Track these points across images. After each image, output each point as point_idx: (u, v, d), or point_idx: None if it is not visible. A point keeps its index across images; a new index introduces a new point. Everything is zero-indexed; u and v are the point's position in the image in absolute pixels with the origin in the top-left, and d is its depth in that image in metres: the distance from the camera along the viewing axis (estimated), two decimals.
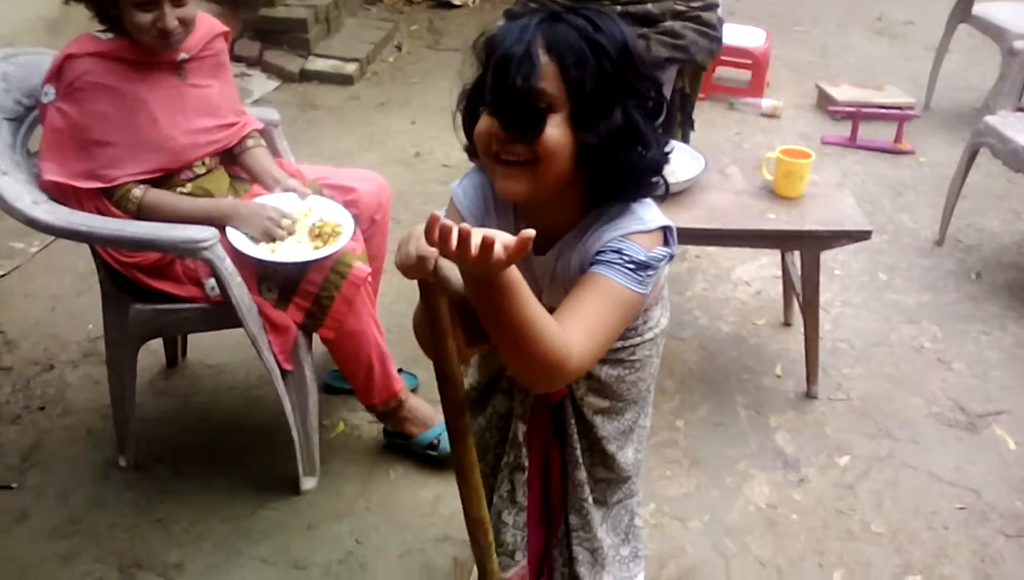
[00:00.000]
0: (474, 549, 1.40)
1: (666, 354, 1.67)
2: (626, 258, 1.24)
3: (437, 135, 4.33)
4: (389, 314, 2.90)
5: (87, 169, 2.10)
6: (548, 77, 1.18)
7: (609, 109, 1.22)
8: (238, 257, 2.12)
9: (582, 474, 1.62)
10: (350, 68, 4.98)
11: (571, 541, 1.67)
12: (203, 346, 2.79)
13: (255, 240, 2.17)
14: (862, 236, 2.58)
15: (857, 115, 4.48)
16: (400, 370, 2.67)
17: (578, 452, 1.60)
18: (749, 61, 4.90)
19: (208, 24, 2.31)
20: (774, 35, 5.27)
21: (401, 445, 2.46)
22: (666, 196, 1.37)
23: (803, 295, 2.70)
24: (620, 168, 1.25)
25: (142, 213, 2.13)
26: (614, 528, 1.69)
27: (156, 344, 2.67)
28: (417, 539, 2.22)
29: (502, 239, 1.00)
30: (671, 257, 1.32)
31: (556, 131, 1.19)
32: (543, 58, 1.18)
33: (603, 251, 1.26)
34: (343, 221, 2.25)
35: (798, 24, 6.24)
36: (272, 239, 2.17)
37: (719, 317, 3.11)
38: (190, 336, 2.78)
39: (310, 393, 2.30)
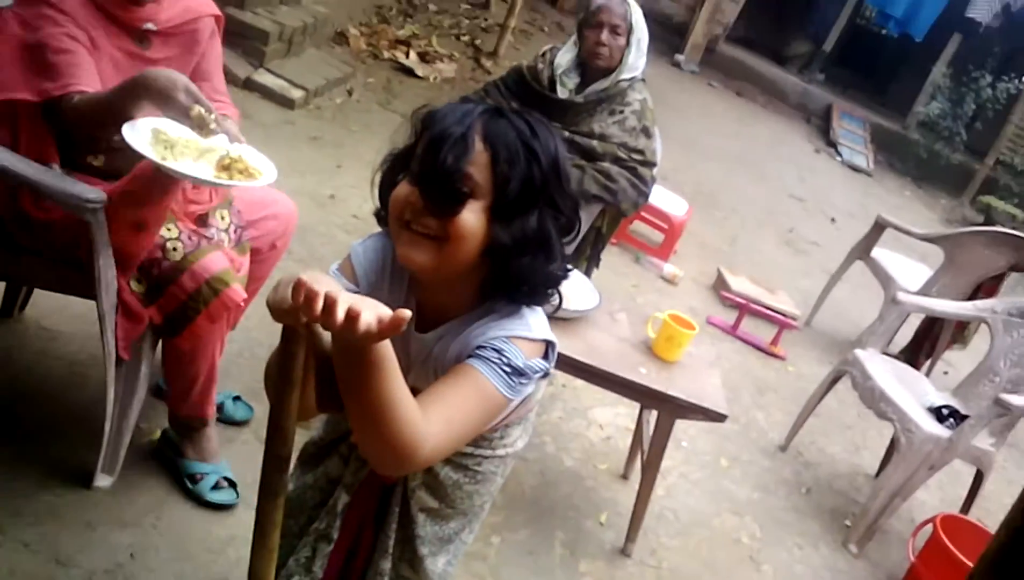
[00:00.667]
0: None
1: None
2: (504, 360, 1.24)
3: (356, 186, 4.31)
4: (247, 338, 2.83)
5: (34, 81, 1.94)
6: (478, 165, 1.21)
7: (526, 212, 1.24)
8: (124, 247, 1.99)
9: (387, 565, 1.58)
10: (296, 93, 4.95)
11: None
12: (45, 305, 2.62)
13: (160, 143, 1.89)
14: (718, 418, 2.66)
15: (745, 308, 4.70)
16: (238, 398, 2.58)
17: (391, 542, 1.56)
18: (666, 226, 5.11)
19: (196, 3, 2.22)
20: (695, 211, 5.54)
21: (168, 458, 2.33)
22: (556, 311, 1.39)
23: (648, 454, 2.75)
24: (522, 270, 1.27)
25: (71, 115, 1.95)
26: None
27: None
28: (195, 573, 2.09)
29: (378, 311, 1.00)
30: (546, 373, 1.33)
31: (472, 217, 1.22)
32: (478, 145, 1.21)
33: (484, 347, 1.26)
34: (265, 168, 2.00)
35: (719, 210, 6.58)
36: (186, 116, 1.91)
37: (565, 450, 3.13)
38: (36, 291, 2.61)
39: (138, 390, 2.18)
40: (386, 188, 1.31)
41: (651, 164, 3.17)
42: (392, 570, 1.58)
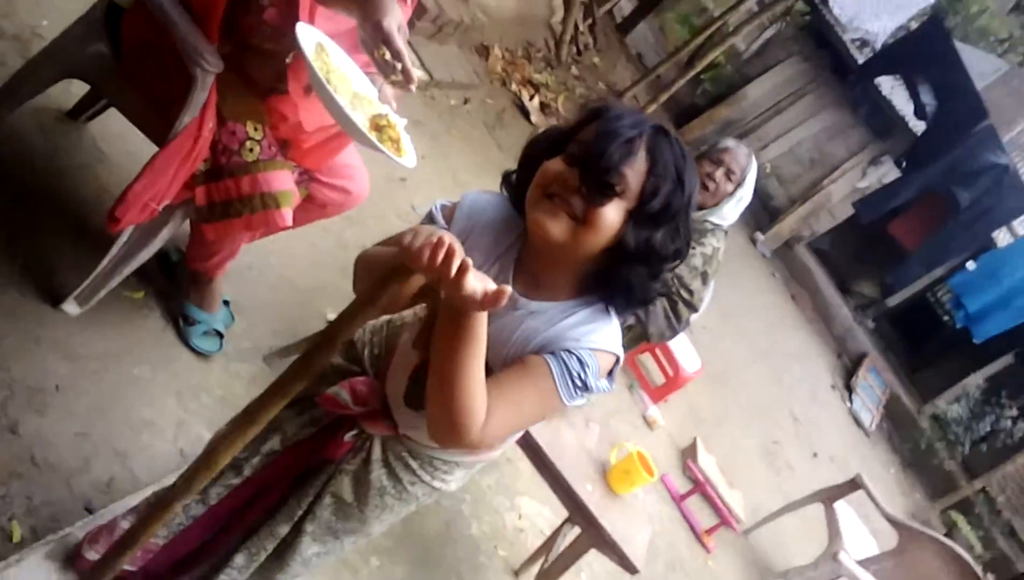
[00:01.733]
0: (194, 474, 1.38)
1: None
2: (581, 373, 1.30)
3: (430, 182, 4.35)
4: (263, 257, 2.83)
5: None
6: (636, 170, 1.29)
7: (657, 226, 1.31)
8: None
9: (283, 530, 1.58)
10: (420, 74, 5.02)
11: (221, 573, 1.60)
12: (111, 127, 2.63)
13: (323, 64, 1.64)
14: (631, 568, 2.64)
15: (701, 487, 4.67)
16: (226, 302, 2.58)
17: (298, 512, 1.57)
18: (672, 372, 5.11)
19: None
20: (704, 375, 5.54)
21: (172, 287, 2.45)
22: (624, 333, 1.47)
23: (550, 566, 2.72)
24: (632, 277, 1.34)
25: None
26: None
27: (78, 88, 2.51)
28: (103, 436, 2.07)
29: (485, 283, 1.12)
30: (603, 391, 1.37)
31: (613, 213, 1.29)
32: (641, 153, 1.29)
33: (570, 352, 1.31)
34: (408, 151, 1.71)
35: (723, 387, 6.58)
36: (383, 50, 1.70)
37: (477, 517, 3.10)
38: (111, 111, 2.62)
39: (149, 247, 2.19)
40: (534, 159, 1.36)
41: (694, 307, 3.20)
42: (271, 538, 1.59)
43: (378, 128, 1.65)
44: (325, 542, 1.62)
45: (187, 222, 2.24)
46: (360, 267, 1.43)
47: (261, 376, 2.60)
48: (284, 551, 1.62)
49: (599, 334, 1.35)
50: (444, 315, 1.20)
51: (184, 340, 2.43)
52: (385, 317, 1.62)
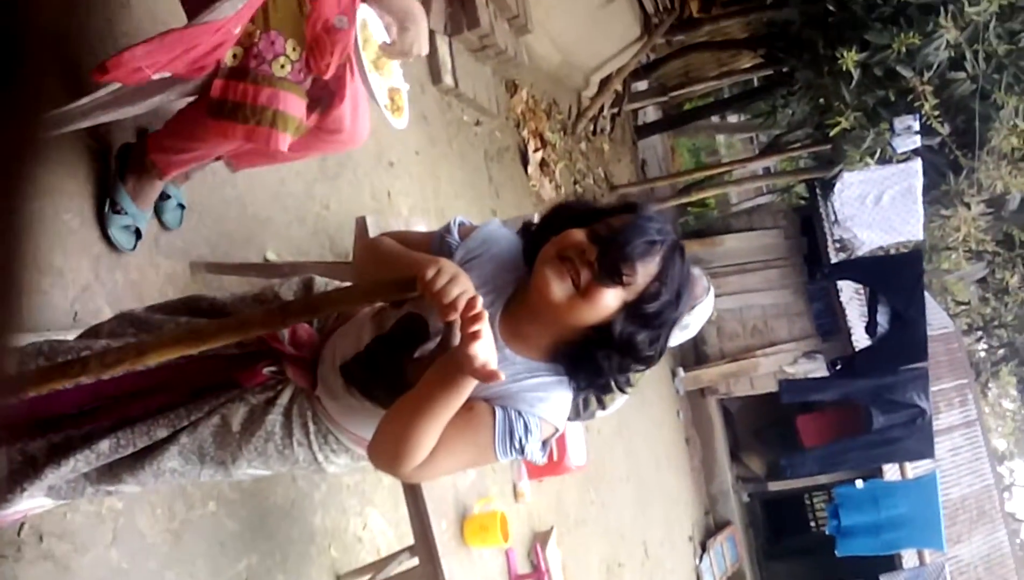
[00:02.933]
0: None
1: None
2: (522, 435, 1.35)
3: (415, 179, 4.31)
4: (230, 180, 2.74)
5: None
6: (646, 270, 1.36)
7: (643, 327, 1.38)
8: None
9: (158, 432, 1.53)
10: (447, 79, 5.02)
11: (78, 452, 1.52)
12: None
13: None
14: None
15: (538, 574, 4.61)
16: (182, 206, 2.48)
17: (178, 417, 1.53)
18: (557, 457, 5.06)
19: None
20: (581, 477, 5.52)
21: (111, 184, 2.29)
22: (576, 418, 1.59)
23: None
24: (603, 362, 1.40)
25: None
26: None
27: None
28: None
29: (491, 355, 1.23)
30: (533, 460, 1.41)
31: (611, 300, 1.35)
32: (656, 258, 1.36)
33: (519, 413, 1.36)
34: (404, 114, 2.31)
35: (595, 493, 6.56)
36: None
37: (325, 509, 2.98)
38: None
39: (140, 106, 2.07)
40: (559, 222, 1.42)
41: (603, 405, 3.17)
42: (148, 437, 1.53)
43: (392, 98, 2.19)
44: (188, 460, 1.54)
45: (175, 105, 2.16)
46: (371, 253, 1.54)
47: (179, 278, 2.50)
48: (146, 454, 1.53)
49: (552, 405, 1.41)
50: (441, 363, 1.28)
51: (101, 224, 2.25)
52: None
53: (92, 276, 2.19)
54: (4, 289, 0.33)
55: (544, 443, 1.42)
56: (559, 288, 1.35)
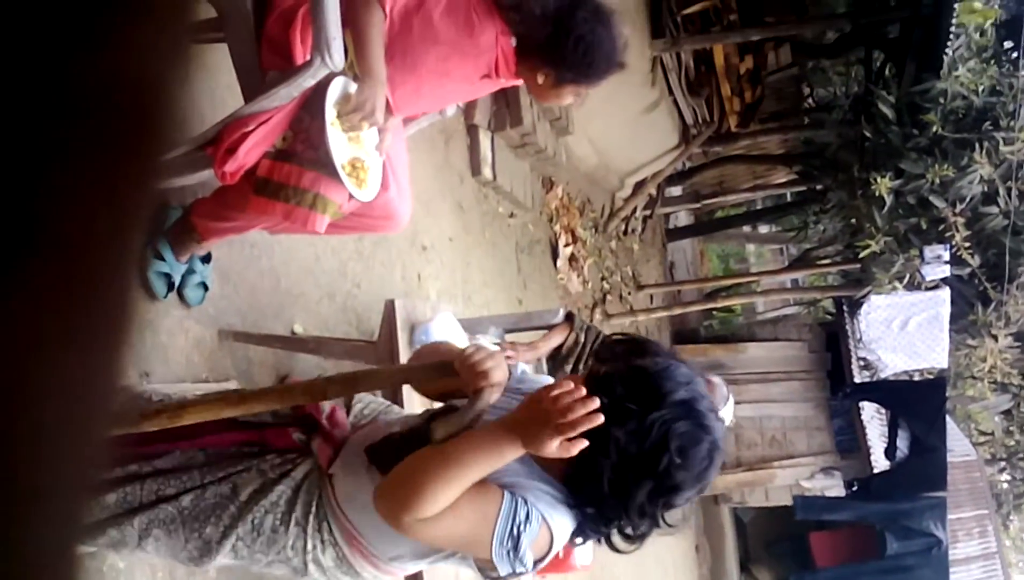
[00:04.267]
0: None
1: None
2: (522, 525, 1.35)
3: (446, 266, 4.40)
4: (267, 249, 2.83)
5: None
6: None
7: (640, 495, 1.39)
8: (316, 102, 2.07)
9: (166, 491, 1.57)
10: (486, 172, 5.16)
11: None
12: (208, 63, 2.67)
13: (339, 108, 2.09)
14: None
15: None
16: (205, 287, 2.56)
17: (191, 478, 1.59)
18: (563, 555, 5.00)
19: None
20: (584, 576, 5.42)
21: (155, 232, 2.40)
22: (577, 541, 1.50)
23: None
24: (600, 510, 1.43)
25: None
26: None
27: (206, 10, 2.57)
28: None
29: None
30: (523, 567, 1.40)
31: None
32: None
33: (526, 501, 1.37)
34: (372, 188, 2.20)
35: None
36: (358, 110, 2.06)
37: None
38: (217, 49, 2.67)
39: (186, 177, 2.18)
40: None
41: None
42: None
43: (353, 166, 2.13)
44: (172, 531, 1.55)
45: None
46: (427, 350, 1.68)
47: (207, 346, 2.56)
48: (139, 509, 1.56)
49: (556, 514, 1.41)
50: (501, 428, 1.33)
51: (140, 267, 2.35)
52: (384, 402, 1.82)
53: None
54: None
55: (537, 561, 1.40)
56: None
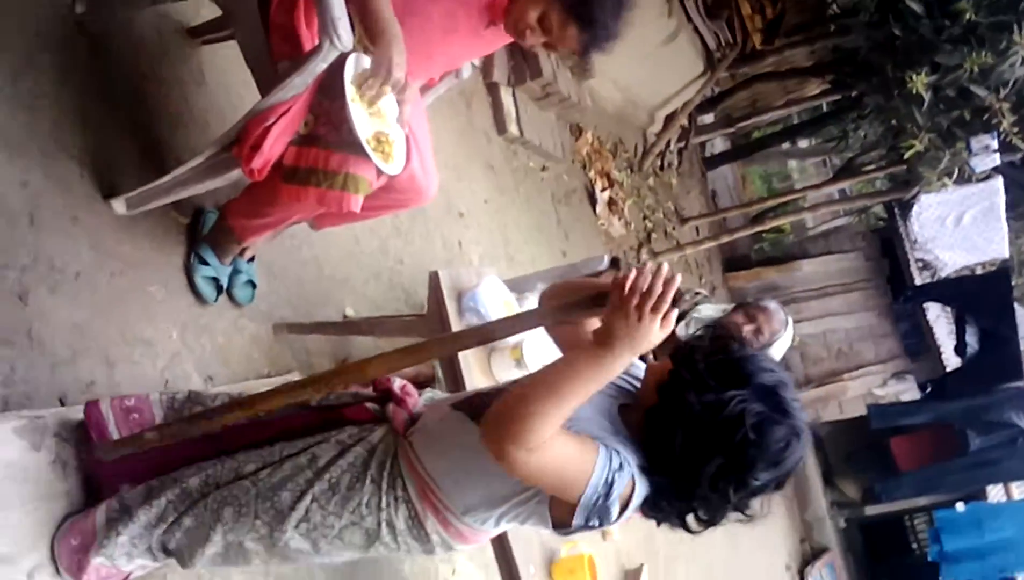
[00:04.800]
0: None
1: None
2: (615, 476, 1.38)
3: (484, 228, 4.38)
4: (310, 239, 2.84)
5: None
6: None
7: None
8: (333, 83, 2.05)
9: (247, 467, 1.61)
10: (512, 128, 5.11)
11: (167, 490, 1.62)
12: (222, 63, 2.68)
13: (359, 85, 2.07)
14: None
15: None
16: (253, 284, 2.58)
17: (271, 453, 1.63)
18: None
19: None
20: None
21: (195, 232, 2.43)
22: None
23: None
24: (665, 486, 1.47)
25: None
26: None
27: (210, 11, 2.56)
28: (98, 336, 2.07)
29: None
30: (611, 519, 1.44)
31: None
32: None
33: (617, 452, 1.41)
34: (398, 160, 2.20)
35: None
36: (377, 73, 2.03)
37: (411, 560, 3.03)
38: (228, 46, 2.66)
39: (217, 179, 2.20)
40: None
41: None
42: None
43: (378, 141, 2.11)
44: (242, 508, 1.57)
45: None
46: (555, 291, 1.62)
47: (264, 341, 2.60)
48: (211, 492, 1.59)
49: (639, 475, 1.44)
50: (595, 343, 1.33)
51: (188, 275, 2.39)
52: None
53: (180, 344, 2.29)
54: None
55: (621, 510, 1.43)
56: None
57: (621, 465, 1.39)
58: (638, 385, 1.61)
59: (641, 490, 1.44)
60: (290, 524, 1.56)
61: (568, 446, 1.37)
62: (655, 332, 1.29)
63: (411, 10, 2.14)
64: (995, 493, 10.27)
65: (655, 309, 1.27)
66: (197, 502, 1.60)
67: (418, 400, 1.71)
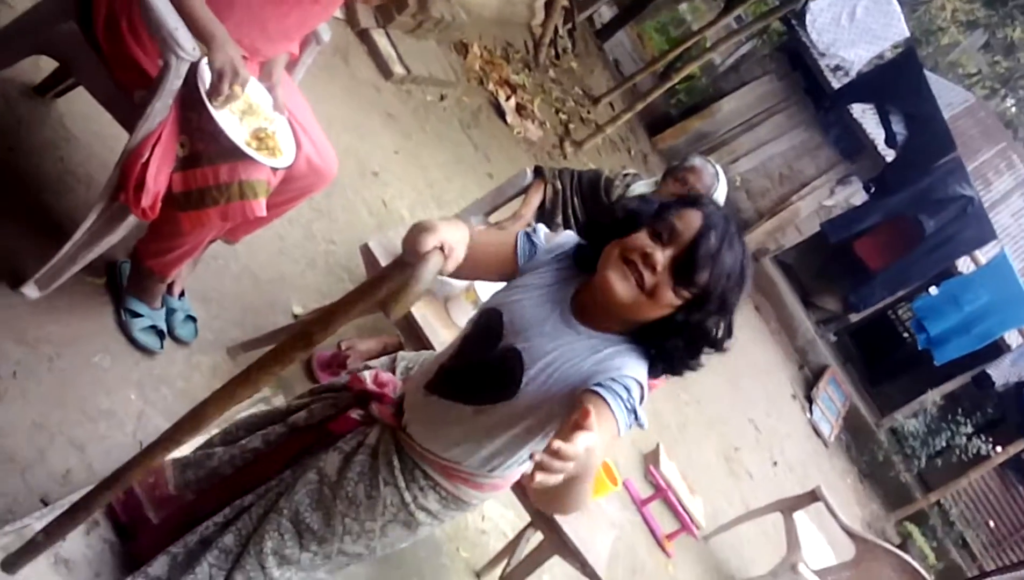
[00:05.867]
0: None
1: None
2: (631, 399, 1.37)
3: (400, 180, 4.31)
4: (230, 250, 2.77)
5: None
6: (715, 273, 1.42)
7: (709, 314, 1.45)
8: (191, 96, 1.98)
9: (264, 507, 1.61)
10: (397, 68, 4.98)
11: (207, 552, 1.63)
12: (79, 106, 2.57)
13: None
14: (593, 575, 2.62)
15: (662, 492, 4.68)
16: (192, 318, 2.51)
17: (281, 485, 1.65)
18: None
19: None
20: (667, 387, 5.56)
21: (116, 284, 2.37)
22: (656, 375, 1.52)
23: (512, 570, 2.71)
24: (670, 347, 1.47)
25: None
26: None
27: (48, 64, 2.44)
28: (59, 426, 2.02)
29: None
30: (640, 424, 1.43)
31: (677, 298, 1.42)
32: (722, 255, 1.41)
33: (615, 381, 1.38)
34: (287, 151, 2.16)
35: (685, 394, 6.61)
36: (222, 77, 1.97)
37: None
38: (82, 91, 2.56)
39: (116, 231, 2.12)
40: (618, 224, 1.48)
41: None
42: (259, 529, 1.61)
43: (259, 139, 2.07)
44: (285, 538, 1.60)
45: None
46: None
47: (223, 368, 2.55)
48: (248, 542, 1.60)
49: (634, 366, 1.44)
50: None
51: (125, 333, 2.32)
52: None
53: (142, 403, 2.25)
54: None
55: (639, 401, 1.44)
56: (623, 288, 1.41)
57: (627, 388, 1.38)
58: (570, 262, 1.60)
59: (640, 371, 1.45)
60: (335, 540, 1.60)
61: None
62: (594, 445, 1.16)
63: None
64: (964, 265, 10.58)
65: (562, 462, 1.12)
66: (240, 556, 1.61)
67: (395, 382, 1.70)
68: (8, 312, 2.07)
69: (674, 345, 1.47)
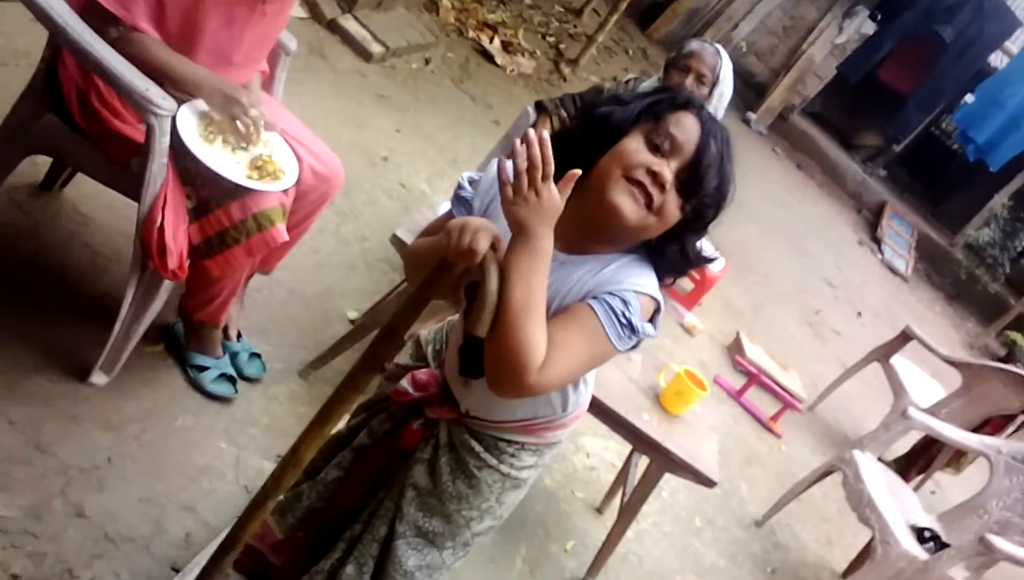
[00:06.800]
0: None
1: None
2: (625, 313, 1.32)
3: (411, 154, 4.29)
4: (270, 278, 2.80)
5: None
6: (711, 189, 1.38)
7: (708, 207, 1.39)
8: (180, 148, 1.99)
9: (380, 531, 1.64)
10: (375, 48, 4.93)
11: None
12: (85, 189, 2.61)
13: (208, 131, 2.05)
14: (707, 482, 2.63)
15: (755, 378, 4.66)
16: (257, 355, 2.56)
17: (387, 510, 1.64)
18: (698, 277, 5.07)
19: None
20: (729, 269, 5.49)
21: (176, 345, 2.43)
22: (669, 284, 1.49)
23: (629, 498, 2.72)
24: (673, 251, 1.42)
25: (121, 44, 1.97)
26: None
27: (44, 159, 2.48)
28: (165, 494, 2.08)
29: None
30: (650, 336, 1.38)
31: (678, 212, 1.37)
32: (719, 160, 1.38)
33: (612, 294, 1.33)
34: (288, 169, 2.17)
35: (753, 274, 6.53)
36: (231, 121, 2.05)
37: (547, 468, 3.11)
38: (82, 176, 2.60)
39: (157, 299, 2.17)
40: (604, 123, 1.39)
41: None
42: (373, 538, 1.63)
43: (258, 167, 2.07)
44: (421, 550, 1.63)
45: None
46: (409, 262, 1.55)
47: (301, 393, 2.60)
48: (385, 562, 1.63)
49: (640, 277, 1.38)
50: (517, 240, 1.26)
51: (198, 388, 2.38)
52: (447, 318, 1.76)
53: (235, 449, 2.31)
54: None
55: (651, 320, 1.38)
56: (633, 210, 1.34)
57: (623, 300, 1.32)
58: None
59: (651, 283, 1.40)
60: (464, 530, 1.62)
61: (571, 338, 1.31)
62: (555, 196, 1.24)
63: (188, 36, 2.03)
64: (998, 60, 10.15)
65: (544, 177, 1.23)
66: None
67: (433, 374, 1.64)
68: (85, 404, 2.13)
69: (672, 252, 1.42)
